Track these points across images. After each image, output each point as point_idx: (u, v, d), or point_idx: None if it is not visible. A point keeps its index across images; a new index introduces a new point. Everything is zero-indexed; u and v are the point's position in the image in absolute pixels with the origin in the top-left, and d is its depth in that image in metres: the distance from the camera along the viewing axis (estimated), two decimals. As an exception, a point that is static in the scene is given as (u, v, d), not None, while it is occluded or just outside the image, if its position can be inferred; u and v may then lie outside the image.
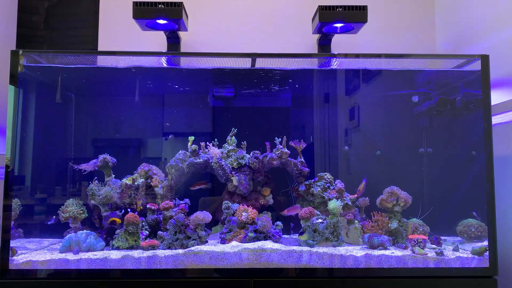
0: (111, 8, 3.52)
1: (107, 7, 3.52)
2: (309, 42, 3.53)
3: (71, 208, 2.76)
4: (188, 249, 2.47)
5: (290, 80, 3.30)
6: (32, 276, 2.37)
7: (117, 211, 2.76)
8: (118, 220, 2.68)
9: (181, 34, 3.44)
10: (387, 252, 2.47)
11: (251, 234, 2.58)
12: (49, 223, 2.85)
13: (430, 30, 3.58)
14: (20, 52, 2.54)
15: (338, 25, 3.08)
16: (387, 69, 3.18)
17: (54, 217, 2.85)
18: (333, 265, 2.41)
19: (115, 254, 2.43)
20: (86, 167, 2.86)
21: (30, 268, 2.37)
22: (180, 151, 2.98)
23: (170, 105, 3.41)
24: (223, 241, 2.65)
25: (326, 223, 2.63)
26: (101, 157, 2.88)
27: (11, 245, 2.43)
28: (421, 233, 2.73)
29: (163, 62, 3.02)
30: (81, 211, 2.78)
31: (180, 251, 2.45)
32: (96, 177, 2.84)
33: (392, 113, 3.34)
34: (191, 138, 2.98)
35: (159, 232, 2.62)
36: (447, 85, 3.15)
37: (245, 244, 2.51)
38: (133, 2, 2.92)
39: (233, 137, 3.04)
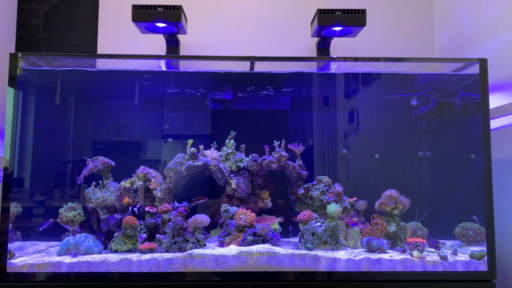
0: (111, 11, 3.52)
1: (106, 10, 3.53)
2: (308, 45, 3.54)
3: (68, 213, 2.75)
4: (187, 252, 2.46)
5: (289, 84, 3.30)
6: (30, 279, 2.36)
7: (115, 214, 2.75)
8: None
9: (180, 37, 3.44)
10: (385, 256, 2.47)
11: (250, 238, 2.57)
12: (40, 229, 2.83)
13: (429, 34, 3.59)
14: (19, 54, 2.54)
15: (337, 28, 3.09)
16: (386, 72, 3.18)
17: (51, 220, 2.84)
18: (332, 268, 2.40)
19: (113, 257, 2.42)
20: (80, 178, 2.85)
21: (28, 271, 2.36)
22: (179, 154, 2.98)
23: (169, 108, 3.41)
24: (222, 244, 2.65)
25: (325, 227, 2.62)
26: (88, 167, 2.87)
27: (9, 248, 2.42)
28: (419, 236, 2.73)
29: (162, 65, 3.03)
30: (78, 215, 2.77)
31: (179, 254, 2.45)
32: (94, 182, 2.83)
33: (391, 117, 3.34)
34: (190, 141, 2.98)
35: (158, 235, 2.62)
36: (446, 89, 3.15)
37: (244, 247, 2.51)
38: (133, 5, 2.93)
39: (232, 140, 3.04)
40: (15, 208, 2.69)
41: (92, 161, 2.87)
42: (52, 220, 2.84)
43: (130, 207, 2.76)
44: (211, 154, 2.96)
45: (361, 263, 2.40)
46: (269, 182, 3.10)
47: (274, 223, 2.71)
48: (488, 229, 2.48)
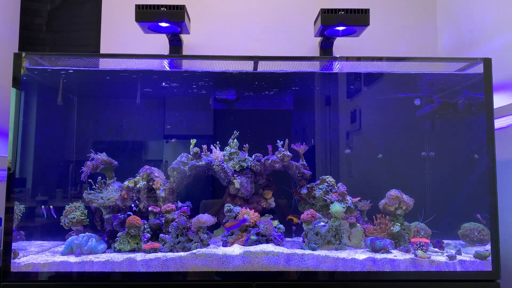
0: (114, 11, 3.53)
1: (109, 10, 3.53)
2: (311, 45, 3.54)
3: (73, 214, 2.75)
4: (190, 252, 2.46)
5: (292, 83, 3.30)
6: (33, 279, 2.36)
7: (118, 214, 2.76)
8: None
9: (183, 37, 3.44)
10: (389, 256, 2.46)
11: (253, 237, 2.57)
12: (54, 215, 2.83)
13: (432, 33, 3.59)
14: (23, 54, 2.54)
15: (340, 28, 3.09)
16: (389, 72, 3.18)
17: (43, 206, 2.85)
18: (335, 268, 2.40)
19: (117, 257, 2.42)
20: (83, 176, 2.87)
21: (32, 271, 2.36)
22: (182, 154, 2.98)
23: (172, 108, 3.41)
24: (225, 244, 2.64)
25: (328, 226, 2.62)
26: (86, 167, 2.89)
27: (13, 247, 2.42)
28: (423, 236, 2.72)
29: (165, 65, 3.03)
30: (83, 217, 2.77)
31: (182, 254, 2.45)
32: (98, 181, 2.83)
33: (394, 116, 3.34)
34: (193, 141, 2.98)
35: (161, 235, 2.62)
36: (449, 88, 3.15)
37: (247, 247, 2.51)
38: (136, 5, 2.93)
39: (235, 139, 3.04)
40: (19, 210, 2.68)
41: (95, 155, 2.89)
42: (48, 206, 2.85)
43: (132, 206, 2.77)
44: (217, 152, 2.96)
45: (365, 263, 2.40)
46: (271, 182, 3.09)
47: (275, 220, 2.73)
48: (492, 229, 2.47)
